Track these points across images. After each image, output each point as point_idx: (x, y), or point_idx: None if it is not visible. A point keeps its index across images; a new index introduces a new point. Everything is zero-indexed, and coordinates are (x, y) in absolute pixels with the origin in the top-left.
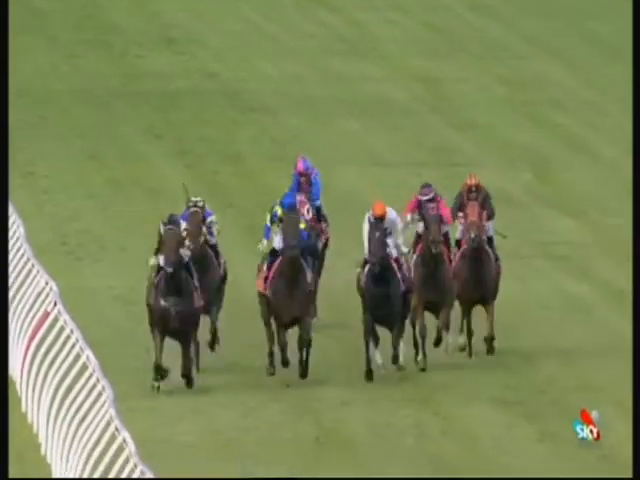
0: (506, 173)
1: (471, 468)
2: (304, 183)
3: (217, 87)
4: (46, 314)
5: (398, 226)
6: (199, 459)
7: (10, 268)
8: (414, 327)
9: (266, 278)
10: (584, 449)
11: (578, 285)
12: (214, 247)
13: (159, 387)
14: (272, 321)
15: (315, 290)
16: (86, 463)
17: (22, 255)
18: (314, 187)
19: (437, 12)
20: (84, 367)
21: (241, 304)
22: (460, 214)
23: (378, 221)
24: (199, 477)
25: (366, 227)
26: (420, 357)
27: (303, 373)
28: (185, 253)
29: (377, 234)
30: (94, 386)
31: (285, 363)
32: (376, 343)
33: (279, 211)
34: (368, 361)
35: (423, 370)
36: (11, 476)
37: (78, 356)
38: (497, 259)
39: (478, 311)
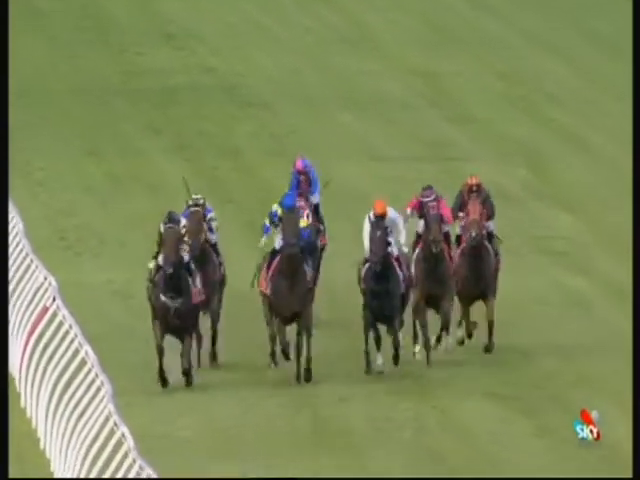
0: (503, 168)
1: (469, 462)
2: (303, 182)
3: (215, 82)
4: (45, 309)
5: (400, 225)
6: (198, 454)
7: (9, 263)
8: (415, 321)
9: (266, 277)
10: (584, 449)
11: (576, 280)
12: (214, 246)
13: (165, 384)
14: (274, 321)
15: (314, 288)
16: (85, 458)
17: (21, 250)
18: (313, 184)
19: (435, 7)
20: (83, 362)
21: (240, 300)
22: (461, 214)
23: (379, 220)
24: (199, 477)
25: (367, 227)
26: (418, 348)
27: (307, 377)
28: (185, 252)
29: (378, 233)
30: (93, 381)
31: (287, 357)
32: (378, 345)
33: (279, 211)
34: (367, 354)
35: (427, 362)
36: (11, 474)
37: (77, 351)
38: (496, 254)
39: (478, 310)
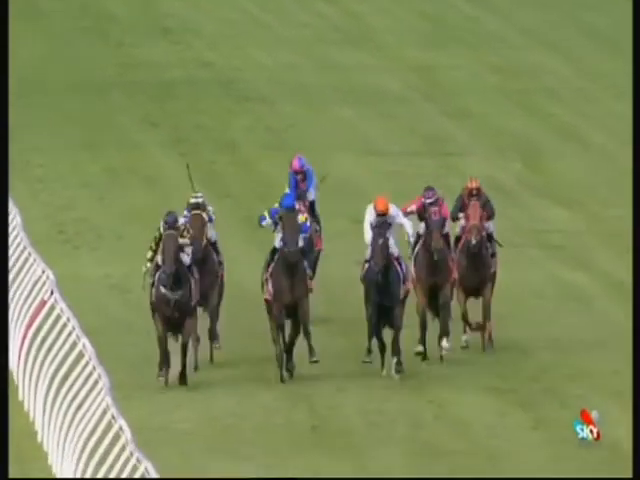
0: (499, 162)
1: (467, 455)
2: (300, 181)
3: (212, 76)
4: (43, 303)
5: (401, 219)
6: (195, 446)
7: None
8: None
9: (267, 276)
10: (584, 449)
11: (572, 274)
12: (214, 244)
13: (166, 380)
14: (279, 332)
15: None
16: (82, 451)
17: (19, 244)
18: (308, 181)
19: (432, 2)
20: (80, 355)
21: (238, 296)
22: (461, 214)
23: (381, 220)
24: (199, 477)
25: (368, 218)
26: (420, 348)
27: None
28: (186, 256)
29: (380, 241)
30: (90, 374)
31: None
32: (382, 352)
33: (279, 209)
34: (369, 351)
35: (424, 358)
36: (11, 473)
37: (74, 344)
38: (494, 255)
39: (476, 309)
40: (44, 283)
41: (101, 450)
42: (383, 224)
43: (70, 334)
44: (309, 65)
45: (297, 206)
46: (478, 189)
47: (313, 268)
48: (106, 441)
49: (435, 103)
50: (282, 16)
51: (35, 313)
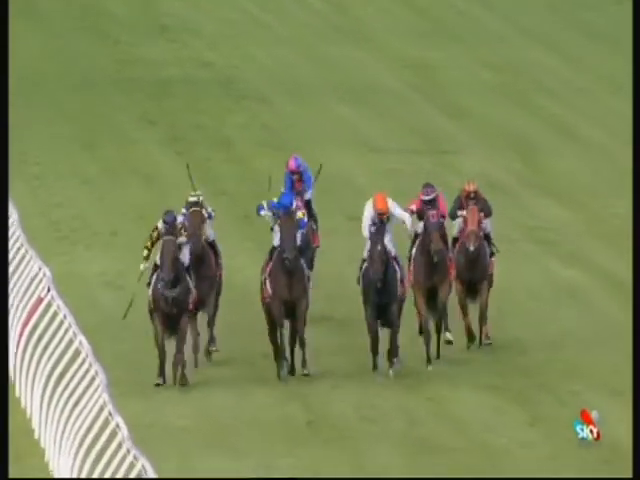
0: (495, 159)
1: (464, 451)
2: (297, 181)
3: (210, 75)
4: (39, 299)
5: (399, 213)
6: (192, 443)
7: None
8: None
9: (265, 279)
10: (584, 449)
11: (567, 270)
12: (212, 244)
13: (159, 384)
14: (277, 332)
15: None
16: (79, 448)
17: (16, 241)
18: (307, 182)
19: (431, 0)
20: (77, 352)
21: (234, 293)
22: (460, 212)
23: (380, 222)
24: (199, 477)
25: (367, 214)
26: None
27: (299, 369)
28: (183, 256)
29: (378, 248)
30: (87, 371)
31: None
32: (375, 349)
33: (277, 204)
34: (374, 355)
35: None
36: (10, 473)
37: (71, 341)
38: (491, 255)
39: (474, 309)
40: (41, 280)
41: (98, 447)
42: (380, 228)
43: (67, 331)
44: (307, 63)
45: (295, 203)
46: (476, 192)
47: (310, 265)
48: (103, 438)
49: (433, 101)
50: (280, 15)
51: (32, 310)
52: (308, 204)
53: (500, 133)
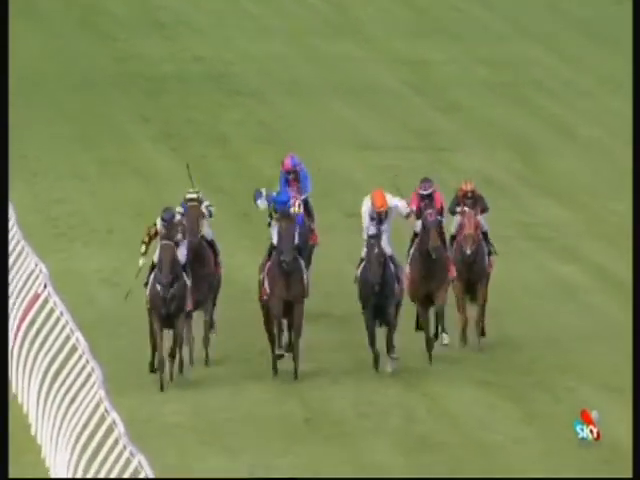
0: (491, 156)
1: (460, 448)
2: (292, 180)
3: (203, 70)
4: (36, 296)
5: (396, 205)
6: (189, 439)
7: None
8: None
9: (264, 278)
10: (584, 449)
11: (565, 267)
12: (212, 244)
13: (162, 382)
14: (274, 328)
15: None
16: (76, 444)
17: (13, 237)
18: (303, 181)
19: None
20: (74, 348)
21: (231, 290)
22: (458, 208)
23: (379, 218)
24: (199, 477)
25: (365, 210)
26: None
27: (294, 374)
28: (180, 255)
29: (375, 251)
30: (84, 367)
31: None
32: (373, 344)
33: (274, 197)
34: (375, 355)
35: (430, 359)
36: (9, 472)
37: (68, 338)
38: (490, 253)
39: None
40: (37, 276)
41: (94, 443)
42: (378, 228)
43: (63, 327)
44: (300, 58)
45: (292, 193)
46: (473, 192)
47: (308, 262)
48: (99, 434)
49: (426, 97)
50: (273, 9)
51: (28, 306)
52: (306, 203)
53: (499, 132)
